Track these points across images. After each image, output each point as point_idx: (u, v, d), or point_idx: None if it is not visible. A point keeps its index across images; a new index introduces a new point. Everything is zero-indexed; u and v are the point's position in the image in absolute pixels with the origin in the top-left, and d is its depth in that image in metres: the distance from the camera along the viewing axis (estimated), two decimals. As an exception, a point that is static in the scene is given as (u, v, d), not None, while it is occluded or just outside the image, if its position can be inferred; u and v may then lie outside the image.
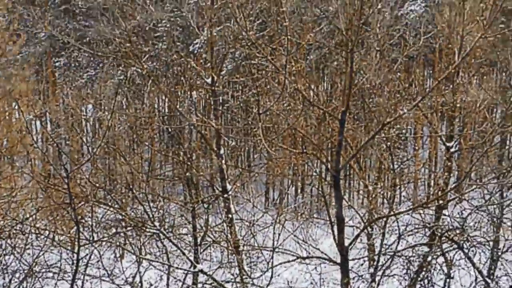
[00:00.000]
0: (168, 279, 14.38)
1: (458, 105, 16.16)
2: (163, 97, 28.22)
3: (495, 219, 13.46)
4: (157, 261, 13.53)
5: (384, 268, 13.97)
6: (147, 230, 12.36)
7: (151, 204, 15.75)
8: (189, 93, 17.85)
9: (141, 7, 15.18)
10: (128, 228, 13.10)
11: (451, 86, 14.66)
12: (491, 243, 13.59)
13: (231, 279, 12.22)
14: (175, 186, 25.37)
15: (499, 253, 12.91)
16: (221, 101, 18.49)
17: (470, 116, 16.96)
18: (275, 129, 10.97)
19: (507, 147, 25.01)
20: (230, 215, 14.29)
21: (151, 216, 12.66)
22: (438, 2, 23.49)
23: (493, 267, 13.00)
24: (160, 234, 12.12)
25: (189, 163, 15.41)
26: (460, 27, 11.89)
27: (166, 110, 27.75)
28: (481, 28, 8.54)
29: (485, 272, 12.44)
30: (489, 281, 10.61)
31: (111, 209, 12.16)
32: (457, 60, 10.98)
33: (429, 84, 25.34)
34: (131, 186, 13.15)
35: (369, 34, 14.30)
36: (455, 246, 12.02)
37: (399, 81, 14.37)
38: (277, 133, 10.45)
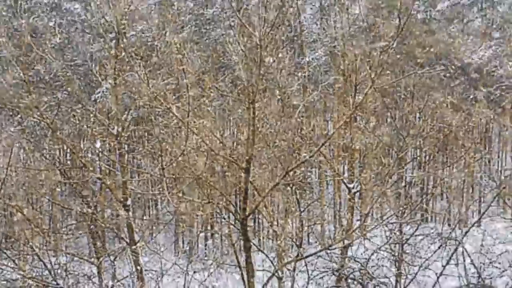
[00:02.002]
0: None
1: (357, 147, 16.98)
2: (65, 148, 27.32)
3: (395, 256, 14.11)
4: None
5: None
6: (49, 288, 11.72)
7: (53, 260, 14.99)
8: (92, 143, 17.40)
9: (40, 56, 14.79)
10: (28, 288, 12.34)
11: (349, 132, 15.44)
12: (393, 280, 14.19)
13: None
14: (79, 240, 24.33)
15: (402, 289, 13.49)
16: (126, 150, 18.19)
17: (368, 157, 17.87)
18: (180, 181, 10.96)
19: (403, 185, 26.48)
20: (139, 267, 13.89)
21: (53, 273, 12.02)
22: (338, 50, 24.86)
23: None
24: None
25: (93, 215, 14.90)
26: (354, 76, 12.67)
27: (68, 162, 26.87)
28: (373, 76, 9.15)
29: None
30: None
31: (8, 268, 11.43)
32: (351, 108, 11.63)
33: (329, 129, 26.54)
34: (30, 242, 12.48)
35: (270, 82, 14.83)
36: (361, 286, 12.43)
37: (300, 126, 14.92)
38: (183, 184, 10.44)
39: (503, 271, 12.13)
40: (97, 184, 21.54)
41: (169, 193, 8.80)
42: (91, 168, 14.36)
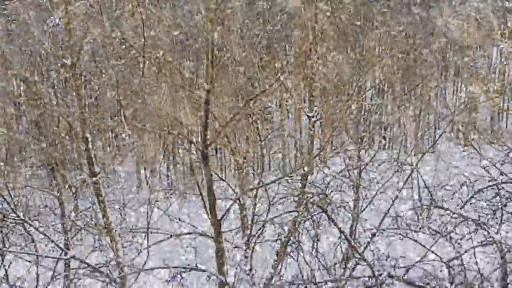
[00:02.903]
0: (37, 268, 13.78)
1: (317, 77, 17.07)
2: (18, 81, 26.44)
3: (353, 182, 14.56)
4: (23, 252, 12.88)
5: (257, 235, 14.57)
6: (9, 221, 11.70)
7: (12, 193, 14.87)
8: (46, 75, 16.92)
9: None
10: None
11: (309, 60, 15.44)
12: (351, 204, 14.73)
13: (106, 262, 12.03)
14: (39, 174, 24.14)
15: (359, 213, 14.02)
16: (83, 80, 17.71)
17: (328, 87, 18.02)
18: (140, 112, 10.84)
19: (362, 114, 26.99)
20: (100, 198, 13.95)
21: (12, 205, 11.98)
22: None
23: (354, 225, 14.10)
24: (25, 224, 11.53)
25: (51, 146, 14.71)
26: (314, 4, 12.52)
27: (22, 95, 26.07)
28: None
29: (347, 231, 13.46)
30: (350, 238, 11.53)
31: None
32: (310, 37, 11.58)
33: (289, 60, 26.43)
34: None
35: (230, 12, 14.56)
36: (320, 210, 12.85)
37: (260, 56, 14.84)
38: (142, 116, 10.35)
39: (454, 193, 12.75)
40: (55, 117, 21.16)
41: (128, 124, 8.72)
42: (46, 101, 14.05)
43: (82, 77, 16.36)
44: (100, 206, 12.01)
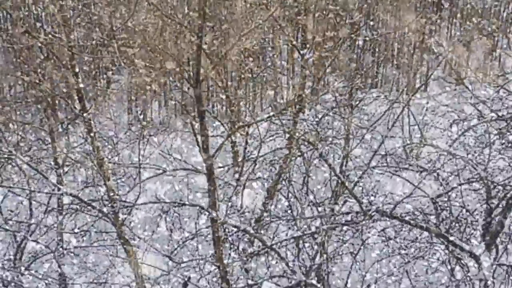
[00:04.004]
0: (30, 204, 13.95)
1: (310, 11, 16.74)
2: (5, 14, 25.72)
3: (345, 119, 14.63)
4: (16, 187, 13.00)
5: (248, 172, 14.75)
6: (0, 156, 11.71)
7: (3, 128, 14.82)
8: (33, 7, 16.45)
9: None
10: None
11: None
12: (342, 141, 14.86)
13: (98, 197, 12.18)
14: (29, 110, 24.01)
15: (349, 150, 14.18)
16: (72, 15, 17.21)
17: (321, 23, 17.72)
18: (131, 45, 10.64)
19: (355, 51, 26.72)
20: (92, 134, 13.93)
21: (3, 140, 11.97)
22: None
23: (344, 162, 14.28)
24: (17, 159, 11.56)
25: (40, 82, 14.53)
26: None
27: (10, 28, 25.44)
28: None
29: (337, 168, 13.63)
30: (340, 175, 11.70)
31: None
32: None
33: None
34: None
35: None
36: (311, 147, 12.98)
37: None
38: (134, 49, 10.16)
39: (444, 130, 12.88)
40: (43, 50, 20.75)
41: (120, 57, 8.57)
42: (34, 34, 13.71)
43: (71, 11, 15.95)
44: (92, 142, 12.01)
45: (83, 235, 13.26)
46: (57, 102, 18.45)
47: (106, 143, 14.94)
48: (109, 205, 11.80)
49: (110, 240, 13.49)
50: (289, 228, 12.66)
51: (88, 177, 13.89)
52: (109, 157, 14.11)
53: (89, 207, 12.25)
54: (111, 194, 12.07)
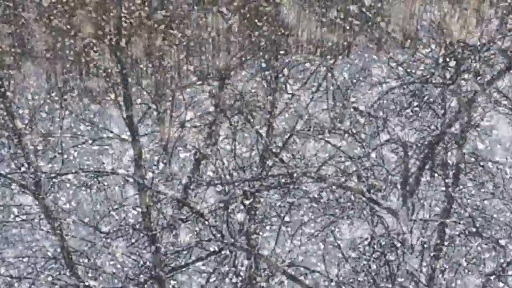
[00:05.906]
0: None
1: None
2: None
3: (270, 85, 14.73)
4: None
5: (175, 140, 14.67)
6: None
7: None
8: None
9: None
10: None
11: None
12: (268, 106, 14.99)
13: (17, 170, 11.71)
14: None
15: (275, 115, 14.33)
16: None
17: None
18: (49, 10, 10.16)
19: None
20: (5, 101, 13.29)
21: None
22: None
23: (270, 127, 14.45)
24: None
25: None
26: None
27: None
28: None
29: (264, 133, 13.80)
30: (266, 139, 11.89)
31: None
32: None
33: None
34: None
35: None
36: (237, 112, 13.04)
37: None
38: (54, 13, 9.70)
39: (364, 94, 13.29)
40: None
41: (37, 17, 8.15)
42: None
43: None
44: (7, 110, 11.46)
45: (2, 210, 12.77)
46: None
47: (23, 113, 14.26)
48: (29, 176, 11.39)
49: (33, 214, 13.07)
50: (218, 193, 12.76)
51: (4, 149, 13.30)
52: (27, 127, 13.49)
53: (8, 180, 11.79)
54: (32, 165, 11.63)
